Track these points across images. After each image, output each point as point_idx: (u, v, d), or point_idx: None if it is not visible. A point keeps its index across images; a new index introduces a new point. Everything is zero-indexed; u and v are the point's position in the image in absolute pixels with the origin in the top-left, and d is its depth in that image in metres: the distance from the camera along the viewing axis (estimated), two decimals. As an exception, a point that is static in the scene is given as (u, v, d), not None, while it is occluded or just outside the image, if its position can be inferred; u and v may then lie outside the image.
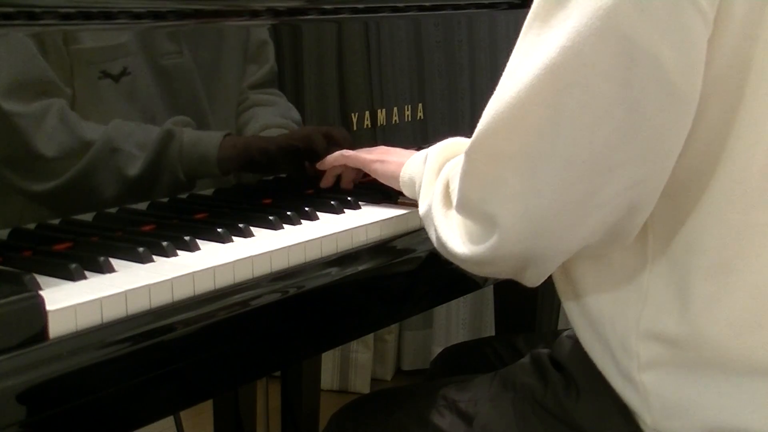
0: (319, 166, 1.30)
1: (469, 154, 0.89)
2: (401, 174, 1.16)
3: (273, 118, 1.27)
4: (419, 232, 1.15)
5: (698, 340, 0.88)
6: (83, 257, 0.95)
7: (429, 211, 1.01)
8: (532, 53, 0.84)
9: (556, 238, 0.87)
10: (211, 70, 1.20)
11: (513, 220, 0.86)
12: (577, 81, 0.81)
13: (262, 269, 1.02)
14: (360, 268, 1.11)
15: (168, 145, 1.12)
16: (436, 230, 0.98)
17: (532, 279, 0.94)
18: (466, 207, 0.92)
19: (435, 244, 1.00)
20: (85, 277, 0.92)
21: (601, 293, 0.95)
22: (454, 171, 0.99)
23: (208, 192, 1.20)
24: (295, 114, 1.29)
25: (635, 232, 0.89)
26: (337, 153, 1.29)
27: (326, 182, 1.30)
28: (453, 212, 0.96)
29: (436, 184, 1.03)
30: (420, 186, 1.08)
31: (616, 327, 0.94)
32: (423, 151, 1.13)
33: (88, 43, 1.04)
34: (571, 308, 1.01)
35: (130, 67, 1.08)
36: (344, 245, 1.12)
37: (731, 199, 0.86)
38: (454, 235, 0.95)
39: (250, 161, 1.25)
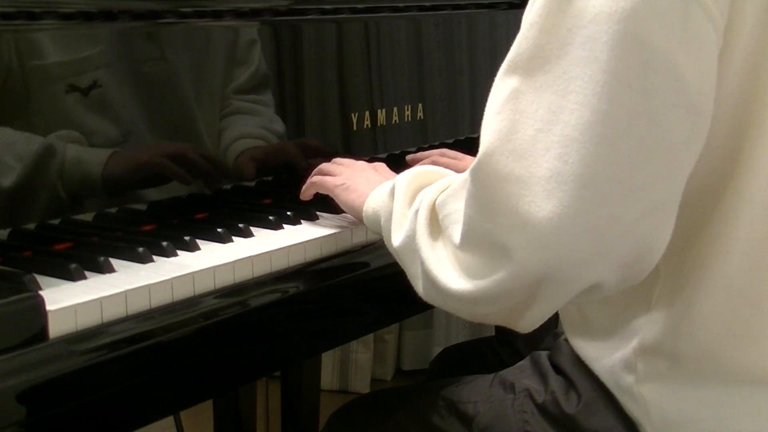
0: (302, 196, 1.21)
1: (475, 176, 0.81)
2: (364, 208, 1.06)
3: (248, 128, 1.23)
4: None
5: (698, 354, 0.88)
6: (83, 257, 0.95)
7: (408, 243, 0.92)
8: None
9: (574, 271, 0.78)
10: (202, 70, 1.20)
11: (528, 249, 0.77)
12: (595, 91, 0.76)
13: (262, 269, 1.02)
14: (360, 268, 1.11)
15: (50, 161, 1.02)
16: (423, 264, 0.88)
17: (530, 323, 0.85)
18: (473, 240, 0.82)
19: (419, 281, 0.90)
20: (85, 277, 0.92)
21: (604, 308, 0.95)
22: (443, 196, 0.89)
23: (208, 192, 1.20)
24: (278, 125, 1.26)
25: (646, 273, 0.83)
26: (308, 182, 1.20)
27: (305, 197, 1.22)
28: (440, 243, 0.88)
29: (415, 213, 0.92)
30: (388, 219, 0.98)
31: (616, 342, 0.93)
32: (387, 183, 1.02)
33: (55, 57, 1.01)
34: (569, 320, 1.00)
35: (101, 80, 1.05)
36: (344, 245, 1.12)
37: (737, 215, 0.85)
38: (447, 269, 0.85)
39: (143, 177, 1.14)
